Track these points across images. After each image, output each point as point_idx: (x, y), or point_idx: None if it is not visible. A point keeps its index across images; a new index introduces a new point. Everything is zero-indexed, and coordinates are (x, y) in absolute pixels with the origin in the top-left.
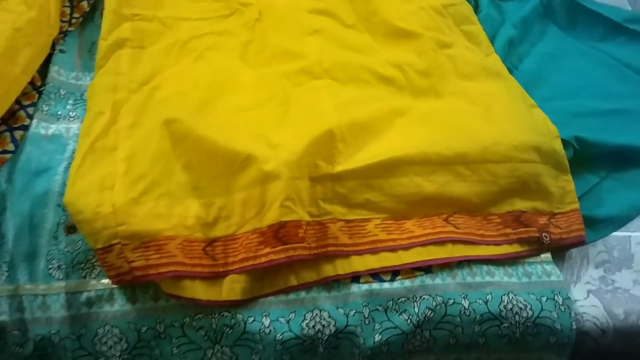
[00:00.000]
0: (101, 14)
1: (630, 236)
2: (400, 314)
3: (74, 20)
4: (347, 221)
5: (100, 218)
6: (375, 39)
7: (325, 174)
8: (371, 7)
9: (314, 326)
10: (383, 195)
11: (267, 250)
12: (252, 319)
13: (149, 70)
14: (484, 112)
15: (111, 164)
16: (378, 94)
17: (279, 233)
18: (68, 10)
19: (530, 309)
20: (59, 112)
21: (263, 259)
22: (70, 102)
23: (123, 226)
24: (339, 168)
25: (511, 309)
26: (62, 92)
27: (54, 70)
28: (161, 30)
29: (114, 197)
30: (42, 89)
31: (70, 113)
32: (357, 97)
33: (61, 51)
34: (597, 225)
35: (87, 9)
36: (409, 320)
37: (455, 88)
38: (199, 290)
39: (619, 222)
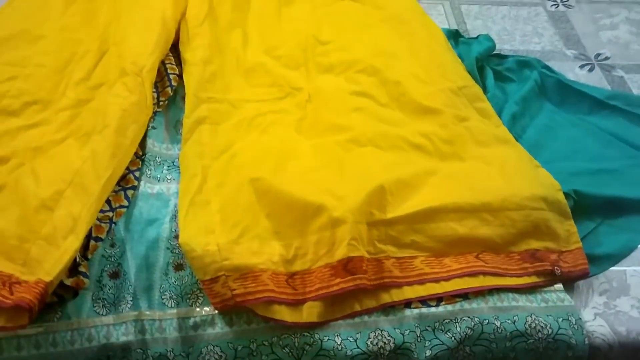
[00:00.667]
0: (182, 97)
1: (625, 270)
2: (446, 332)
3: (161, 103)
4: (398, 258)
5: (209, 255)
6: (405, 114)
7: (379, 220)
8: (400, 89)
9: (376, 343)
10: (425, 237)
11: (338, 280)
12: (327, 338)
13: (225, 142)
14: (499, 171)
15: (208, 215)
16: (412, 158)
17: (347, 266)
18: (156, 95)
19: (550, 328)
20: (158, 176)
21: (335, 287)
22: (165, 167)
23: (227, 261)
24: (390, 215)
25: (534, 327)
26: (158, 159)
27: (149, 142)
28: (231, 110)
29: (217, 238)
30: (143, 157)
31: (167, 176)
32: (397, 160)
33: (153, 127)
34: (597, 261)
35: (171, 94)
36: (453, 338)
37: (473, 153)
38: (285, 314)
39: (615, 258)
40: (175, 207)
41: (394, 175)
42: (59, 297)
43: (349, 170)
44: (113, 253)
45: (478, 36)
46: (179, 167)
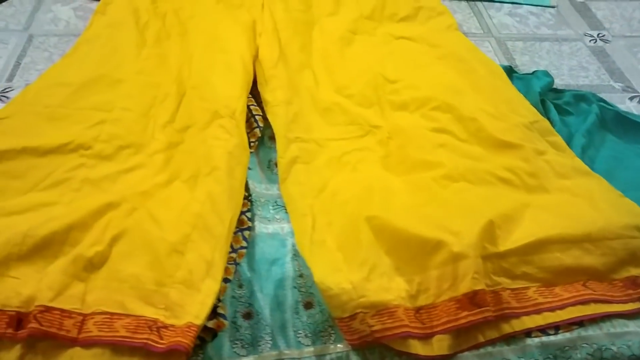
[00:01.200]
0: (268, 137)
1: None
2: (567, 359)
3: (252, 144)
4: (513, 289)
5: (345, 293)
6: (485, 149)
7: (492, 254)
8: (477, 125)
9: None
10: (535, 268)
11: (465, 313)
12: None
13: (321, 180)
14: (588, 202)
15: (329, 253)
16: (503, 191)
17: (473, 299)
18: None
19: None
20: (267, 216)
21: (463, 320)
22: (271, 207)
23: (363, 298)
24: (502, 248)
25: None
26: (262, 200)
27: (250, 183)
28: (317, 149)
29: (348, 276)
30: (250, 198)
31: (275, 216)
32: (491, 194)
33: (249, 168)
34: None
35: (259, 135)
36: None
37: (557, 185)
38: (418, 347)
39: None
40: (293, 246)
41: (498, 210)
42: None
43: (452, 206)
44: (242, 294)
45: (534, 72)
46: (282, 206)
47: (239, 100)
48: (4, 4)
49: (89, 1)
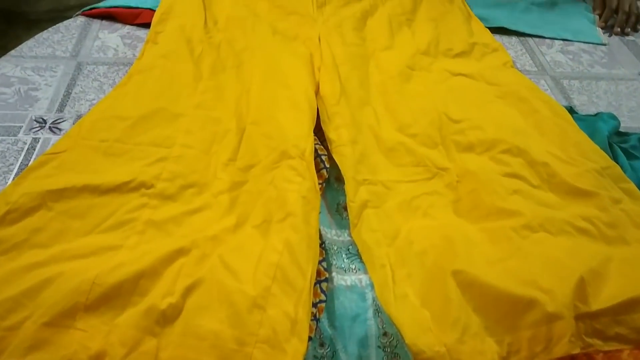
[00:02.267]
0: (335, 178)
1: None
2: None
3: (319, 186)
4: (606, 352)
5: (439, 356)
6: (559, 197)
7: (584, 313)
8: (549, 171)
9: None
10: (628, 329)
11: None
12: None
13: (393, 227)
14: None
15: (414, 310)
16: (583, 243)
17: None
18: None
19: None
20: (343, 266)
21: None
22: (344, 256)
23: None
24: (594, 307)
25: None
26: (335, 247)
27: (321, 229)
28: (386, 192)
29: (441, 338)
30: (323, 246)
31: (351, 265)
32: (573, 247)
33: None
34: None
35: (326, 176)
36: None
37: (637, 236)
38: None
39: None
40: (373, 300)
41: (585, 264)
42: None
43: (537, 259)
44: (325, 353)
45: (598, 113)
46: (356, 255)
47: (307, 140)
48: (50, 29)
49: (136, 28)
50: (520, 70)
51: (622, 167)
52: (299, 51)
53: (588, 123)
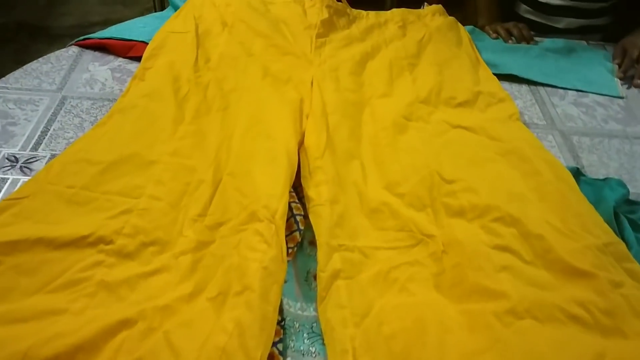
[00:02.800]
0: (309, 242)
1: None
2: None
3: (290, 251)
4: None
5: None
6: (553, 276)
7: None
8: (544, 245)
9: None
10: None
11: None
12: None
13: (365, 302)
14: None
15: None
16: (573, 333)
17: None
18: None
19: None
20: (301, 347)
21: None
22: (305, 335)
23: None
24: None
25: None
26: (296, 324)
27: (285, 302)
28: (363, 260)
29: None
30: (283, 323)
31: (310, 348)
32: (560, 337)
33: (285, 281)
34: None
35: (299, 240)
36: None
37: (636, 328)
38: None
39: None
40: None
41: None
42: None
43: (518, 355)
44: None
45: (606, 179)
46: (319, 335)
47: (280, 200)
48: (40, 60)
49: (128, 61)
50: (527, 124)
51: (627, 243)
52: (288, 96)
53: (594, 188)
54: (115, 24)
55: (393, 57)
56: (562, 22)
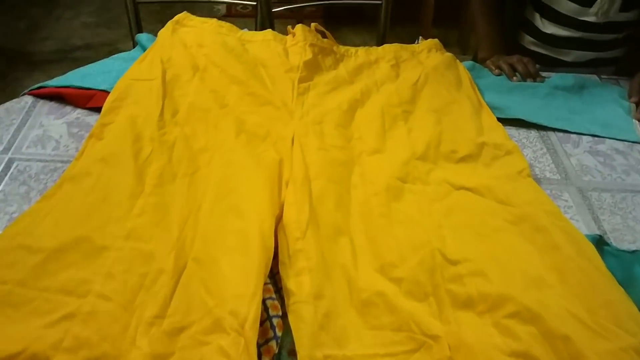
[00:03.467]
0: (288, 352)
1: None
2: None
3: None
4: None
5: None
6: None
7: None
8: (572, 349)
9: None
10: None
11: None
12: None
13: None
14: None
15: None
16: None
17: None
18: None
19: None
20: None
21: None
22: None
23: None
24: None
25: None
26: None
27: None
28: None
29: None
30: None
31: None
32: None
33: None
34: None
35: (276, 351)
36: None
37: None
38: None
39: None
40: None
41: None
42: None
43: None
44: None
45: (635, 251)
46: None
47: (251, 303)
48: None
49: (88, 113)
50: (539, 179)
51: None
52: (265, 158)
53: (622, 263)
54: (98, 47)
55: (385, 103)
56: (571, 55)
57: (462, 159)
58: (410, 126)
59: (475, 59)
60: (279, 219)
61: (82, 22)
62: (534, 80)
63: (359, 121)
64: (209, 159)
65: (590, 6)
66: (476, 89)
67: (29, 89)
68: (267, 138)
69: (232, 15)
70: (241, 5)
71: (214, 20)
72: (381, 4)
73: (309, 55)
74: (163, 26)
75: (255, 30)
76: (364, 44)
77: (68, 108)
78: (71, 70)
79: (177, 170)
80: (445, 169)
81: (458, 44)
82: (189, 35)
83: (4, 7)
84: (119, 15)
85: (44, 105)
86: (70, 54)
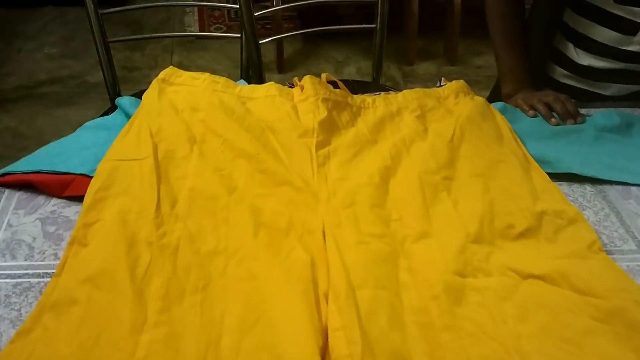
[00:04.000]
0: None
1: None
2: None
3: None
4: None
5: None
6: None
7: None
8: None
9: None
10: None
11: None
12: None
13: None
14: None
15: None
16: None
17: None
18: None
19: None
20: None
21: None
22: None
23: None
24: None
25: None
26: None
27: None
28: None
29: None
30: None
31: None
32: None
33: None
34: None
35: None
36: None
37: None
38: None
39: None
40: None
41: None
42: None
43: None
44: None
45: None
46: None
47: None
48: None
49: (66, 203)
50: (610, 252)
51: None
52: (294, 263)
53: None
54: (65, 80)
55: (421, 170)
56: (611, 89)
57: (522, 235)
58: (455, 197)
59: (495, 92)
60: (324, 351)
61: (45, 54)
62: (575, 122)
63: (395, 196)
64: (223, 267)
65: (634, 34)
66: (519, 140)
67: None
68: (291, 231)
69: (205, 38)
70: (215, 26)
71: (207, 75)
72: (375, 27)
73: (323, 113)
74: (133, 52)
75: (241, 49)
76: (346, 59)
77: (41, 198)
78: (38, 109)
79: (184, 284)
80: (506, 251)
81: (445, 54)
82: (179, 96)
83: None
84: (84, 43)
85: (12, 197)
86: (36, 89)
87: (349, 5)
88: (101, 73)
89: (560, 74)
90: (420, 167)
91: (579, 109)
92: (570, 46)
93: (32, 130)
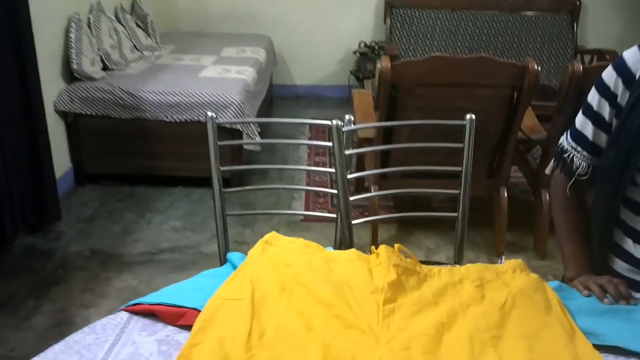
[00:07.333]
0: None
1: None
2: None
3: None
4: None
5: None
6: None
7: None
8: None
9: None
10: None
11: None
12: None
13: None
14: None
15: None
16: None
17: None
18: None
19: None
20: None
21: None
22: None
23: None
24: None
25: None
26: None
27: None
28: None
29: None
30: None
31: None
32: None
33: None
34: None
35: None
36: None
37: None
38: None
39: None
40: None
41: None
42: None
43: None
44: None
45: None
46: None
47: None
48: (85, 329)
49: (178, 330)
50: None
51: None
52: None
53: None
54: (183, 250)
55: (473, 328)
56: None
57: None
58: (501, 353)
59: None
60: None
61: (170, 226)
62: (627, 303)
63: (447, 347)
64: None
65: None
66: (567, 312)
67: (125, 305)
68: None
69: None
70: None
71: (301, 240)
72: (457, 216)
73: (392, 276)
74: (244, 229)
75: (335, 239)
76: (436, 246)
77: (159, 325)
78: (157, 272)
79: None
80: None
81: (534, 249)
82: (277, 255)
83: (104, 213)
84: (203, 219)
85: (137, 322)
86: (157, 255)
87: (444, 198)
88: (215, 245)
89: (622, 267)
90: (472, 325)
91: (635, 294)
92: (630, 242)
93: (148, 290)
